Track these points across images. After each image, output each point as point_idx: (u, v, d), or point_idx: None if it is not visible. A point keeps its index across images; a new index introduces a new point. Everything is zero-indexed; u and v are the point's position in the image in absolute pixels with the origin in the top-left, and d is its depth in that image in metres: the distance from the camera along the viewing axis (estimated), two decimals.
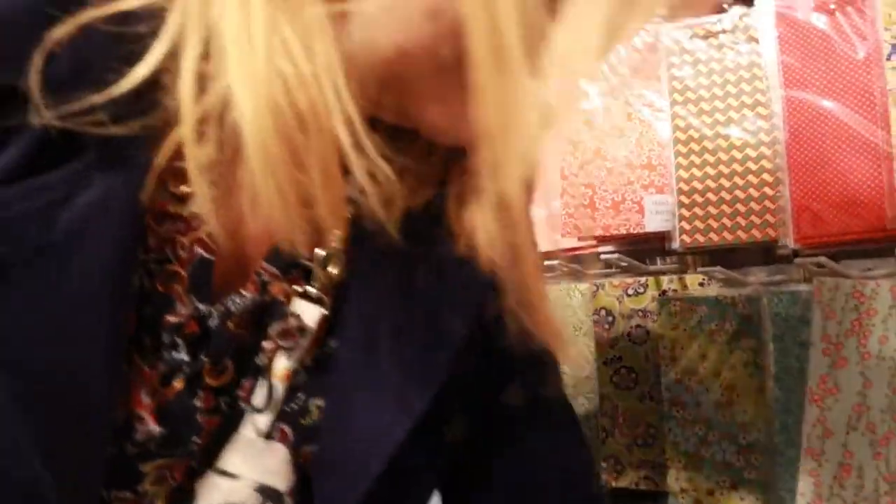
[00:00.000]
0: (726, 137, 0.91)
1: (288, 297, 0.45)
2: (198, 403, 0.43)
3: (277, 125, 0.36)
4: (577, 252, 1.08)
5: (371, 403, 0.45)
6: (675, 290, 0.97)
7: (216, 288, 0.43)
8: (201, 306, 0.43)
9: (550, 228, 1.11)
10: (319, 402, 0.46)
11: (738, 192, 0.89)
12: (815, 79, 0.85)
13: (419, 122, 0.41)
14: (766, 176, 0.88)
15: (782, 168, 0.87)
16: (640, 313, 1.01)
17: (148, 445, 0.42)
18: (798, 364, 0.82)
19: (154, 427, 0.41)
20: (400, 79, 0.38)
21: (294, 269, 0.46)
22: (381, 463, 0.44)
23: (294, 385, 0.45)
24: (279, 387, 0.45)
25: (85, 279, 0.38)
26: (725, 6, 0.93)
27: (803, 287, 0.83)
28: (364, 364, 0.45)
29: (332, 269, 0.46)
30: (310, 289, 0.46)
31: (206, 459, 0.44)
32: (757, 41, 0.91)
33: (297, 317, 0.45)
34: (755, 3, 0.90)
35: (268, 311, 0.45)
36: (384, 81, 0.38)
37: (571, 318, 1.11)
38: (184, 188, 0.42)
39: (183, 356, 0.42)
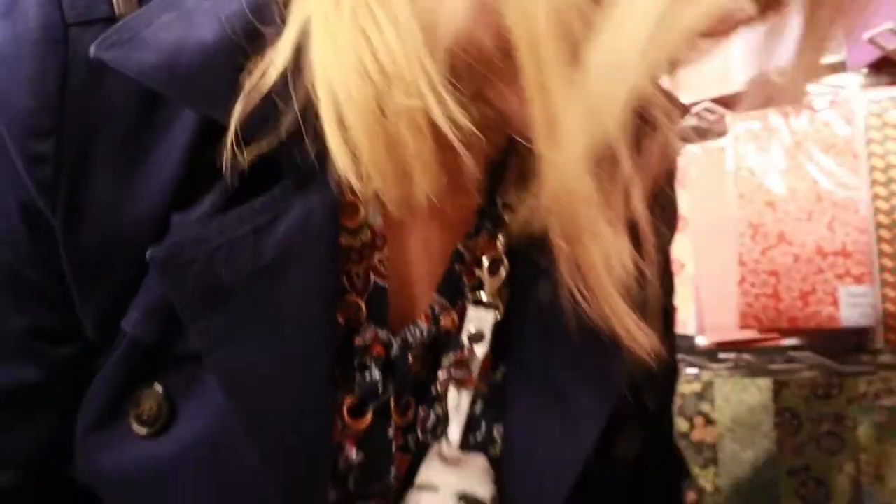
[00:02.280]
0: None
1: (458, 329, 0.46)
2: (390, 434, 0.43)
3: (367, 95, 0.37)
4: (758, 344, 0.97)
5: (549, 429, 0.45)
6: (877, 395, 0.85)
7: (391, 319, 0.44)
8: (382, 333, 0.43)
9: (719, 314, 1.01)
10: (500, 428, 0.46)
11: None
12: None
13: (494, 106, 0.40)
14: None
15: None
16: (834, 418, 0.88)
17: (348, 480, 0.42)
18: None
19: (354, 455, 0.42)
20: (470, 62, 0.38)
21: (460, 300, 0.46)
22: (566, 488, 0.44)
23: (472, 415, 0.45)
24: (459, 416, 0.45)
25: (294, 303, 0.39)
26: None
27: None
28: (537, 388, 0.45)
29: (500, 274, 0.47)
30: (481, 293, 0.46)
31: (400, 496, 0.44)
32: None
33: (471, 349, 0.46)
34: None
35: (442, 343, 0.46)
36: (455, 63, 0.38)
37: (748, 416, 1.00)
38: (349, 221, 0.42)
39: (376, 377, 0.43)
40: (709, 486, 1.07)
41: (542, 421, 0.45)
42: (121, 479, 0.40)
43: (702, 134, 1.10)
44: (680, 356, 1.08)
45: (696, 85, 1.10)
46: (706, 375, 1.07)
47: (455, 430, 0.45)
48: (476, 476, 0.44)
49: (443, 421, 0.45)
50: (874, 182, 0.84)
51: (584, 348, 0.44)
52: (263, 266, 0.38)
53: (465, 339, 0.46)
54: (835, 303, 0.86)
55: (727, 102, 1.02)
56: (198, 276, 0.38)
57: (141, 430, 0.39)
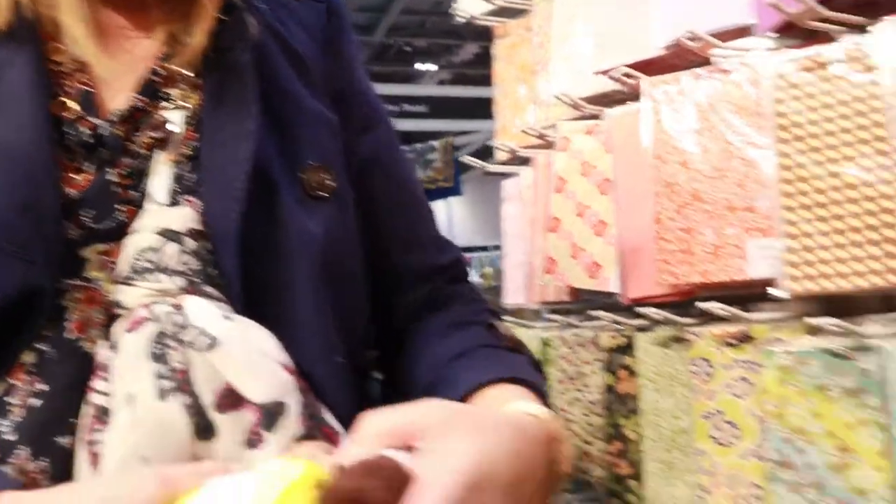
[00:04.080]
0: (840, 176, 0.84)
1: (156, 109, 0.64)
2: (112, 186, 0.60)
3: None
4: (668, 298, 1.02)
5: (230, 142, 0.62)
6: (780, 341, 0.90)
7: (100, 113, 0.61)
8: (92, 118, 0.61)
9: (644, 274, 1.05)
10: (194, 178, 0.62)
11: (854, 235, 0.82)
12: None
13: None
14: (885, 216, 0.81)
15: None
16: (744, 364, 0.94)
17: (82, 220, 0.58)
18: None
19: (81, 201, 0.59)
20: None
21: (157, 102, 0.64)
22: (245, 173, 0.61)
23: (178, 173, 0.62)
24: (167, 172, 0.61)
25: (15, 99, 0.59)
26: (836, 35, 0.87)
27: None
28: (223, 121, 0.64)
29: (190, 81, 0.65)
30: (173, 94, 0.64)
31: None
32: (873, 70, 0.84)
33: (165, 120, 0.63)
34: (870, 29, 0.84)
35: (143, 117, 0.63)
36: None
37: (667, 367, 1.05)
38: (56, 54, 0.62)
39: (90, 141, 0.60)
40: (632, 436, 1.12)
41: (225, 143, 0.63)
42: None
43: (618, 98, 1.14)
44: (603, 313, 1.13)
45: (613, 50, 1.13)
46: (628, 331, 1.12)
47: (159, 185, 0.61)
48: (177, 218, 0.59)
49: (148, 176, 0.61)
50: (779, 140, 0.88)
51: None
52: None
53: (161, 116, 0.63)
54: (743, 255, 0.91)
55: (644, 67, 1.05)
56: None
57: None
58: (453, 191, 4.73)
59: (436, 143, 4.62)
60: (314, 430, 0.56)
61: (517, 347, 0.69)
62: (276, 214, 0.64)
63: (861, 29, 0.85)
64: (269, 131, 0.66)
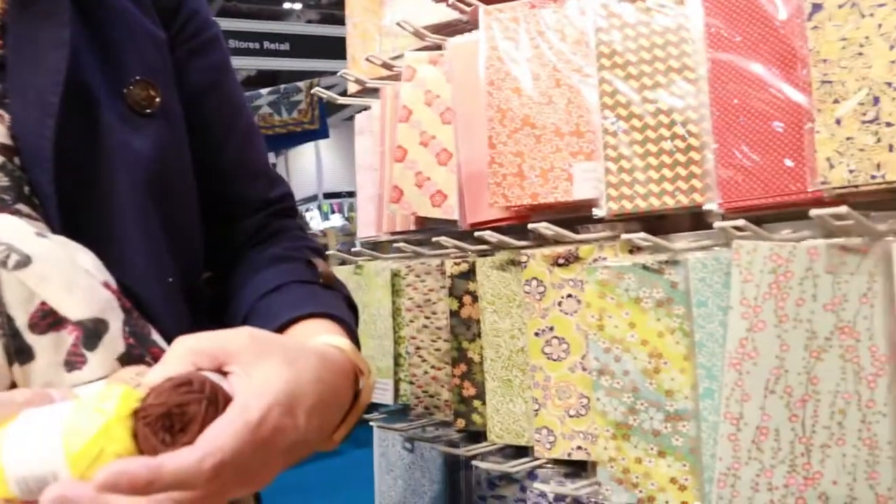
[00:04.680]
0: (654, 102, 0.89)
1: None
2: None
3: None
4: (505, 222, 1.06)
5: (41, 51, 0.60)
6: (604, 259, 0.96)
7: None
8: None
9: (479, 198, 1.09)
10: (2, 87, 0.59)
11: (664, 158, 0.88)
12: (740, 41, 0.83)
13: None
14: (692, 140, 0.87)
15: (708, 132, 0.86)
16: (571, 283, 0.99)
17: None
18: (722, 329, 0.82)
19: None
20: None
21: None
22: (58, 84, 0.58)
23: None
24: None
25: None
26: None
27: (726, 252, 0.82)
28: (32, 29, 0.61)
29: None
30: None
31: None
32: (684, 3, 0.89)
33: None
34: None
35: None
36: None
37: (504, 290, 1.10)
38: None
39: None
40: (476, 357, 1.17)
41: (26, 59, 0.60)
42: None
43: (462, 28, 1.16)
44: (446, 239, 1.16)
45: None
46: (471, 257, 1.16)
47: None
48: None
49: None
50: (601, 67, 0.93)
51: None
52: None
53: None
54: (570, 178, 0.96)
55: None
56: None
57: None
58: (320, 133, 4.63)
59: (301, 84, 4.51)
60: (141, 351, 0.55)
61: (331, 284, 0.71)
62: (95, 130, 0.61)
63: None
64: (88, 43, 0.63)
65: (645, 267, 0.89)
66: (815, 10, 0.75)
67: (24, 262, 0.52)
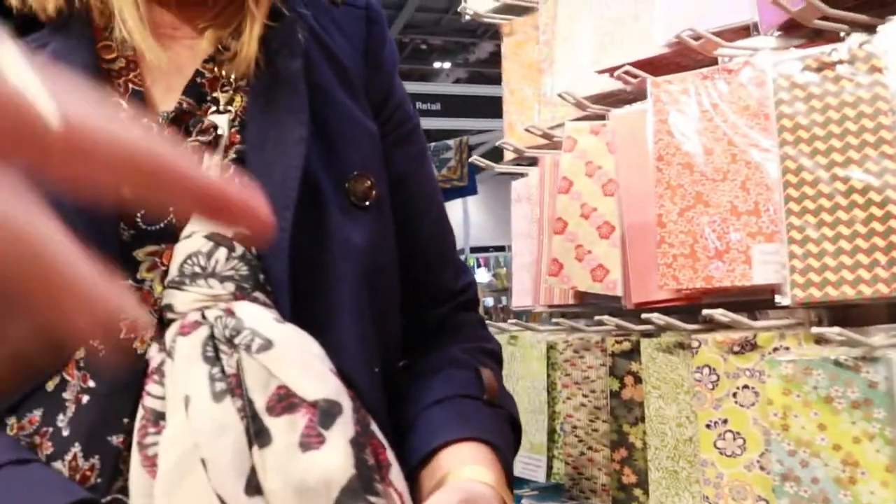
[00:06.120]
0: (845, 180, 0.81)
1: (203, 113, 0.64)
2: None
3: None
4: (678, 304, 0.99)
5: (279, 148, 0.63)
6: (786, 349, 0.87)
7: (148, 111, 0.62)
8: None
9: (649, 278, 1.03)
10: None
11: (859, 241, 0.79)
12: None
13: None
14: (892, 222, 0.78)
15: None
16: (748, 373, 0.91)
17: (136, 221, 0.58)
18: None
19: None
20: None
21: (203, 104, 0.64)
22: (297, 179, 0.61)
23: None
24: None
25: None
26: (842, 34, 0.84)
27: None
28: (271, 127, 0.64)
29: (235, 97, 0.66)
30: (220, 101, 0.65)
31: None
32: (881, 71, 0.81)
33: (213, 124, 0.63)
34: (878, 29, 0.81)
35: (190, 120, 0.63)
36: None
37: (671, 374, 1.03)
38: (107, 53, 0.63)
39: None
40: (638, 443, 1.10)
41: (271, 146, 0.63)
42: None
43: (625, 98, 1.12)
44: (608, 318, 1.10)
45: (616, 48, 1.11)
46: (634, 336, 1.10)
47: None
48: None
49: None
50: (783, 142, 0.86)
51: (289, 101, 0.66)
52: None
53: (210, 120, 0.63)
54: (748, 261, 0.89)
55: (647, 65, 1.03)
56: None
57: None
58: (468, 190, 4.69)
59: (451, 142, 4.60)
60: (365, 440, 0.56)
61: (495, 401, 0.71)
62: (323, 223, 0.64)
63: (867, 28, 0.82)
64: (315, 139, 0.66)
65: (837, 363, 0.80)
66: None
67: (266, 346, 0.54)
